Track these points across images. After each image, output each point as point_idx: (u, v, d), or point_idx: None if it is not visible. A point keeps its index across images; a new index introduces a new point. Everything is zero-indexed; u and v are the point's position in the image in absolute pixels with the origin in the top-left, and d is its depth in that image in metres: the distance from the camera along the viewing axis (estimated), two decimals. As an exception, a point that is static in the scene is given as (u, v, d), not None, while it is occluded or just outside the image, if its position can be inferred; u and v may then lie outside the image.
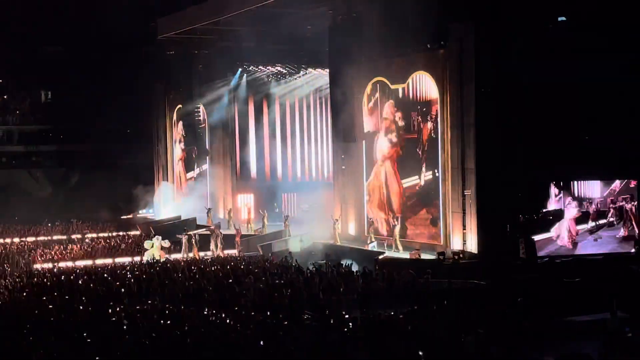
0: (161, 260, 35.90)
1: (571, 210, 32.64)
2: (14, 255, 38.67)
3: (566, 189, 32.66)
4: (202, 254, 38.45)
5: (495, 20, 31.50)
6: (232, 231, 41.95)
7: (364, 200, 38.47)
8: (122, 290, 27.58)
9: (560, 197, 32.56)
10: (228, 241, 39.94)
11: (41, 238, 46.59)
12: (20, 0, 65.29)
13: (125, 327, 21.22)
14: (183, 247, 39.08)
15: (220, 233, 40.15)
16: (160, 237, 39.25)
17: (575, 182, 32.88)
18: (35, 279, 30.38)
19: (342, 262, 32.08)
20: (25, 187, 66.74)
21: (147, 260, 36.34)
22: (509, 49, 31.32)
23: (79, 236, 47.45)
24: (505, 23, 31.40)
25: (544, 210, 32.32)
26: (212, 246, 39.32)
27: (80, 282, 29.28)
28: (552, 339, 19.79)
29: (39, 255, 38.57)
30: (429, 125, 34.43)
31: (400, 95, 35.93)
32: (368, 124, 38.06)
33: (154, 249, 38.27)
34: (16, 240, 45.57)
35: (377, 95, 37.22)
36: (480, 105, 31.69)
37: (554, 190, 32.44)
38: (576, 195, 32.96)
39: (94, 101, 65.83)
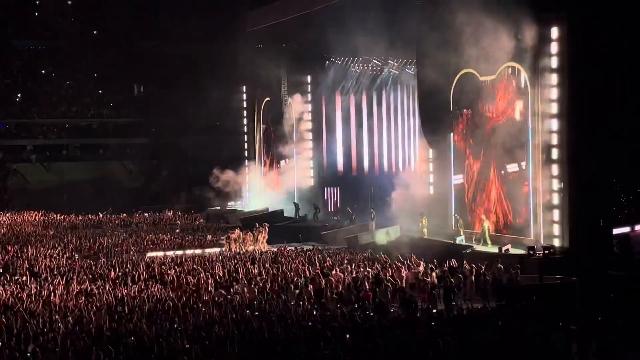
0: (243, 251, 36.56)
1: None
2: (108, 244, 39.80)
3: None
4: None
5: (589, 8, 30.60)
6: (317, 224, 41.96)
7: (452, 193, 38.04)
8: (210, 280, 28.02)
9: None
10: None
11: (133, 228, 47.82)
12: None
13: (213, 317, 21.55)
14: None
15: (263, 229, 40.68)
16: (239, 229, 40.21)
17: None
18: (127, 268, 31.13)
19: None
20: (118, 179, 68.58)
21: (235, 251, 36.90)
22: (603, 38, 30.37)
23: (169, 226, 48.53)
24: (599, 11, 30.46)
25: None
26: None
27: (170, 271, 29.88)
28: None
29: (131, 245, 39.59)
30: (520, 117, 33.76)
31: (490, 87, 35.32)
32: (456, 117, 37.55)
33: (232, 241, 38.95)
34: (110, 230, 46.92)
35: (466, 86, 36.68)
36: (572, 96, 30.89)
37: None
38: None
39: (185, 94, 67.10)
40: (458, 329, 19.29)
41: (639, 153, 30.56)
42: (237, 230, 40.70)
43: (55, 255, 35.37)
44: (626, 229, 32.52)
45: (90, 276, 29.58)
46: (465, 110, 36.86)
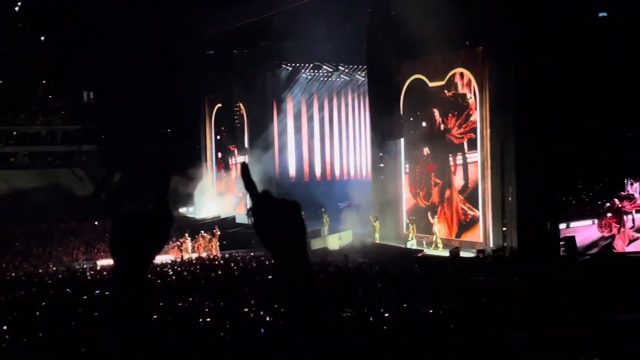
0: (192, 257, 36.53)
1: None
2: (58, 253, 39.29)
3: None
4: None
5: (536, 16, 31.18)
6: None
7: (403, 197, 38.36)
8: (162, 287, 27.83)
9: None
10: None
11: (83, 236, 47.17)
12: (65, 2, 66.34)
13: (166, 324, 21.41)
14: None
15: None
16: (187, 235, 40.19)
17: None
18: (78, 277, 30.77)
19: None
20: (68, 187, 67.64)
21: (188, 258, 36.73)
22: (550, 45, 30.97)
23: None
24: (546, 19, 31.07)
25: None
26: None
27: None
28: (597, 339, 19.51)
29: (82, 253, 39.12)
30: (468, 122, 34.23)
31: (439, 92, 35.74)
32: (406, 122, 37.89)
33: (187, 247, 38.84)
34: (59, 239, 46.22)
35: (416, 93, 37.02)
36: (520, 102, 31.43)
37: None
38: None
39: (135, 101, 66.46)
40: (411, 334, 19.46)
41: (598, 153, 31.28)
42: (188, 237, 40.48)
43: (3, 265, 34.83)
44: (587, 222, 33.12)
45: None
46: (415, 115, 37.20)
